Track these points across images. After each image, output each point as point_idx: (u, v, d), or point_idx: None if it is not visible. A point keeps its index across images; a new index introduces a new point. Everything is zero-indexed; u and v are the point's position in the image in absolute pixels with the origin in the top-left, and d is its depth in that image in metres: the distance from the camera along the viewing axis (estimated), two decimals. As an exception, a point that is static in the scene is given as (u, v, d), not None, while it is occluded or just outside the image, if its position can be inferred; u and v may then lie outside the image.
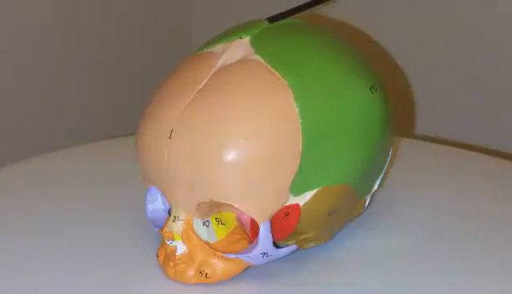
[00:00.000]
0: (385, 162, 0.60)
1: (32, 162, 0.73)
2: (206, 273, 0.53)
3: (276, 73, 0.52)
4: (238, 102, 0.51)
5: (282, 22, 0.57)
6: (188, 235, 0.53)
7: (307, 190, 0.53)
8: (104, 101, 1.18)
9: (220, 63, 0.54)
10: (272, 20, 0.55)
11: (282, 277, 0.55)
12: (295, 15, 0.57)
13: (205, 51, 0.56)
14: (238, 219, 0.54)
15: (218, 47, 0.55)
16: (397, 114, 0.67)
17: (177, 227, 0.53)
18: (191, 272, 0.53)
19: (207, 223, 0.53)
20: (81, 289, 0.53)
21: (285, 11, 0.56)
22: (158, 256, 0.55)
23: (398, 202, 0.65)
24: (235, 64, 0.53)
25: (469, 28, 1.04)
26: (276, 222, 0.53)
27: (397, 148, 0.74)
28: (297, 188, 0.52)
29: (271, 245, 0.52)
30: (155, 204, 0.56)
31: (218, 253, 0.53)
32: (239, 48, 0.54)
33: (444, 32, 1.06)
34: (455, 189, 0.67)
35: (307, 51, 0.54)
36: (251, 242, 0.54)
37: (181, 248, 0.53)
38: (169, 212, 0.54)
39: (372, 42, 1.10)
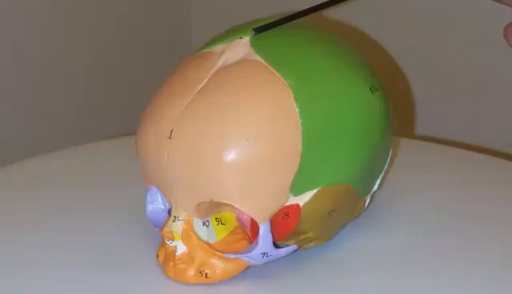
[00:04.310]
0: (385, 162, 0.60)
1: (32, 162, 0.73)
2: (206, 273, 0.53)
3: (276, 73, 0.52)
4: (238, 102, 0.51)
5: (282, 22, 0.57)
6: (188, 235, 0.53)
7: (307, 190, 0.52)
8: (104, 101, 1.18)
9: (220, 63, 0.54)
10: (259, 30, 0.55)
11: (282, 277, 0.55)
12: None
13: (205, 51, 0.56)
14: (238, 219, 0.54)
15: (218, 47, 0.55)
16: (397, 114, 0.67)
17: (177, 227, 0.53)
18: (191, 272, 0.53)
19: (207, 223, 0.53)
20: (81, 289, 0.53)
21: (272, 22, 0.55)
22: (158, 256, 0.55)
23: (398, 202, 0.65)
24: (236, 64, 0.53)
25: (469, 29, 1.04)
26: (276, 222, 0.53)
27: (397, 148, 0.74)
28: (297, 188, 0.52)
29: (271, 245, 0.52)
30: (155, 204, 0.56)
31: (218, 253, 0.53)
32: (239, 48, 0.54)
33: (444, 32, 1.06)
34: (455, 189, 0.67)
35: (307, 51, 0.54)
36: (251, 242, 0.54)
37: (181, 248, 0.53)
38: (169, 212, 0.54)
39: (372, 42, 1.09)
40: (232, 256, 0.53)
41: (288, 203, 0.52)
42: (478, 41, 1.04)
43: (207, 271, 0.53)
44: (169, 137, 0.51)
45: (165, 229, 0.53)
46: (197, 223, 0.53)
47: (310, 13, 0.57)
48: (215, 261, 0.53)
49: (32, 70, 1.07)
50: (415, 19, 1.08)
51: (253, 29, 0.55)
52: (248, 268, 0.54)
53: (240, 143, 0.50)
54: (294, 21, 0.57)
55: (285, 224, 0.53)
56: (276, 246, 0.53)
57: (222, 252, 0.53)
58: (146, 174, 0.55)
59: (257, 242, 0.52)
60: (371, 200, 0.61)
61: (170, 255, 0.53)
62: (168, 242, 0.53)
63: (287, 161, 0.51)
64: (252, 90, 0.51)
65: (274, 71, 0.52)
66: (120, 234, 0.60)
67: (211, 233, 0.54)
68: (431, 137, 1.08)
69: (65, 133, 1.12)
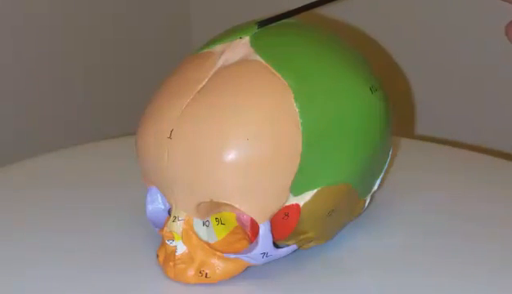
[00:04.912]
0: (385, 162, 0.60)
1: (32, 162, 0.73)
2: (206, 273, 0.53)
3: (276, 73, 0.52)
4: (238, 102, 0.51)
5: (282, 22, 0.57)
6: (188, 235, 0.53)
7: (307, 190, 0.52)
8: (104, 101, 1.18)
9: (220, 63, 0.54)
10: (262, 24, 0.55)
11: (282, 277, 0.55)
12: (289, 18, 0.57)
13: (205, 51, 0.56)
14: (238, 219, 0.54)
15: (218, 47, 0.55)
16: (397, 114, 0.67)
17: (177, 227, 0.53)
18: (191, 272, 0.53)
19: (207, 223, 0.53)
20: (81, 289, 0.53)
21: (276, 16, 0.56)
22: (158, 256, 0.55)
23: (398, 202, 0.65)
24: (236, 64, 0.53)
25: (469, 28, 1.04)
26: (276, 222, 0.53)
27: (397, 148, 0.74)
28: (297, 188, 0.52)
29: (271, 245, 0.52)
30: (155, 204, 0.56)
31: (218, 253, 0.53)
32: (239, 48, 0.54)
33: (444, 32, 1.06)
34: (455, 189, 0.67)
35: (307, 51, 0.54)
36: (251, 242, 0.54)
37: (181, 248, 0.53)
38: (169, 212, 0.54)
39: (372, 42, 1.09)
40: (232, 256, 0.53)
41: (288, 203, 0.52)
42: (478, 41, 1.04)
43: (207, 271, 0.53)
44: (169, 137, 0.51)
45: (165, 229, 0.53)
46: (197, 223, 0.53)
47: (314, 7, 0.57)
48: (215, 261, 0.53)
49: (32, 70, 1.06)
50: (415, 18, 1.08)
51: (257, 23, 0.55)
52: (248, 268, 0.54)
53: (240, 143, 0.50)
54: (294, 21, 0.57)
55: (285, 224, 0.53)
56: (276, 246, 0.53)
57: (222, 252, 0.53)
58: (146, 174, 0.55)
59: (257, 242, 0.52)
60: (371, 200, 0.61)
61: (170, 255, 0.53)
62: (168, 242, 0.53)
63: (287, 161, 0.51)
64: (252, 90, 0.51)
65: (274, 71, 0.52)
66: (120, 234, 0.60)
67: (211, 233, 0.54)
68: (431, 137, 1.08)
69: (65, 133, 1.12)
